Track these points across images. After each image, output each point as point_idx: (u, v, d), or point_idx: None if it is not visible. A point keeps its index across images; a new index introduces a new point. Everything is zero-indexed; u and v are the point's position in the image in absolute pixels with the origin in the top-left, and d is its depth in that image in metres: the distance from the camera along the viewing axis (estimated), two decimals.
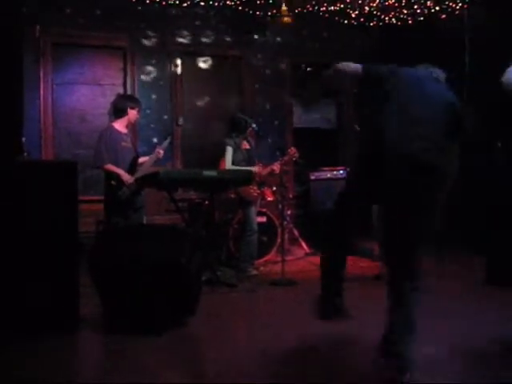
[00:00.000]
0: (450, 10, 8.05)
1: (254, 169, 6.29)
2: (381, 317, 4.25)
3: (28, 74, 7.26)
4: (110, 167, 5.69)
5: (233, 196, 6.56)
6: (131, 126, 6.32)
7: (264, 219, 6.96)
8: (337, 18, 8.49)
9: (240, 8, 8.13)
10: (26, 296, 4.02)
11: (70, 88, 7.82)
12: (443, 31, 8.27)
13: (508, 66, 3.98)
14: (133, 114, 5.99)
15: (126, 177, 5.68)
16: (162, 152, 5.87)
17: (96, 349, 4.18)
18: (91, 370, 3.75)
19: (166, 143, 6.03)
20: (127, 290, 4.12)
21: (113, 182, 5.68)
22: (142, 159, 6.04)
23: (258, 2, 8.02)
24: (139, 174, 5.73)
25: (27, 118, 7.17)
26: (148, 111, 7.78)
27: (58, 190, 4.22)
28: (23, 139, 6.95)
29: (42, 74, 7.55)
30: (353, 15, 8.39)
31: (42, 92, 7.54)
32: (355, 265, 6.92)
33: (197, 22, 8.33)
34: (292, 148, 6.57)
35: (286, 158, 6.47)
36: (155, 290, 4.08)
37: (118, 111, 6.04)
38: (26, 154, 4.84)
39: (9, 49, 5.32)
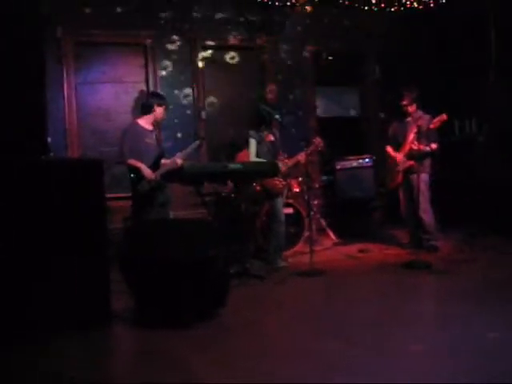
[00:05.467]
0: None
1: (280, 165, 6.22)
2: (409, 304, 4.23)
3: (51, 75, 7.31)
4: (132, 162, 5.72)
5: (259, 188, 6.54)
6: (157, 124, 6.31)
7: (291, 210, 6.92)
8: (357, 5, 8.38)
9: None
10: (57, 293, 4.06)
11: (93, 87, 7.85)
12: (466, 14, 8.14)
13: None
14: (160, 111, 6.00)
15: (147, 171, 5.69)
16: (179, 162, 5.74)
17: (128, 343, 4.21)
18: (123, 366, 3.78)
19: (193, 145, 5.95)
20: (157, 285, 4.14)
21: (132, 175, 5.70)
22: (165, 161, 6.00)
23: None
24: (163, 169, 5.74)
25: (52, 119, 7.23)
26: (171, 106, 7.78)
27: (86, 188, 4.26)
28: (49, 139, 7.03)
29: (65, 74, 7.58)
30: (373, 1, 8.27)
31: (65, 92, 7.58)
32: (384, 252, 6.87)
33: (217, 15, 8.31)
34: (317, 138, 6.51)
35: (311, 149, 6.41)
36: (184, 284, 4.09)
37: (144, 108, 6.06)
38: (52, 153, 4.87)
39: (30, 50, 5.36)
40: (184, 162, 5.70)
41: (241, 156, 6.69)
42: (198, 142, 5.98)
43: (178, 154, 5.83)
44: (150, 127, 5.98)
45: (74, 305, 4.10)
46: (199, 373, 3.31)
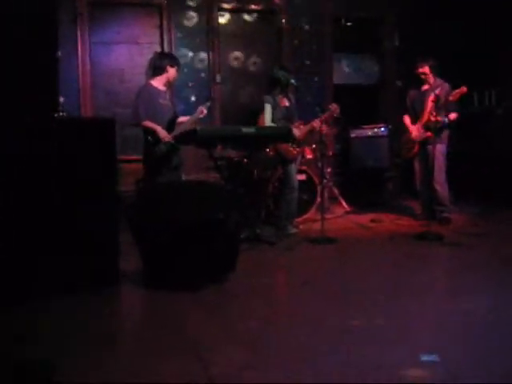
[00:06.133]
0: None
1: (295, 131, 6.14)
2: (417, 275, 4.19)
3: (66, 34, 7.25)
4: (148, 123, 5.65)
5: (272, 154, 6.47)
6: (169, 85, 6.24)
7: (304, 177, 6.86)
8: None
9: None
10: (66, 251, 4.06)
11: (107, 47, 7.77)
12: None
13: None
14: (172, 72, 5.91)
15: (163, 133, 5.63)
16: (205, 111, 5.74)
17: (134, 305, 4.22)
18: (129, 324, 3.80)
19: (206, 105, 5.87)
20: (166, 246, 4.12)
21: (149, 138, 5.65)
22: (181, 118, 5.96)
23: None
24: (178, 131, 5.68)
25: (65, 78, 7.17)
26: (185, 69, 7.69)
27: (97, 147, 4.23)
28: (61, 99, 6.98)
29: (79, 34, 7.50)
30: None
31: (79, 52, 7.51)
32: (396, 223, 6.82)
33: None
34: (333, 104, 6.36)
35: (326, 115, 6.29)
36: (194, 246, 4.08)
37: (156, 69, 5.97)
38: (63, 113, 4.82)
39: (43, 7, 5.28)
40: (196, 125, 5.63)
41: (260, 121, 6.60)
42: (208, 104, 5.89)
43: (202, 106, 5.75)
44: (163, 88, 5.91)
45: (81, 263, 4.10)
46: (204, 337, 3.30)
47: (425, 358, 2.87)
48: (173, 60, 6.00)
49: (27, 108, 4.59)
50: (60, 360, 2.90)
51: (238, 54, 8.33)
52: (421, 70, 6.59)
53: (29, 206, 3.95)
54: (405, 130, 6.83)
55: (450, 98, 6.16)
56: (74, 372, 2.81)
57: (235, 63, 8.33)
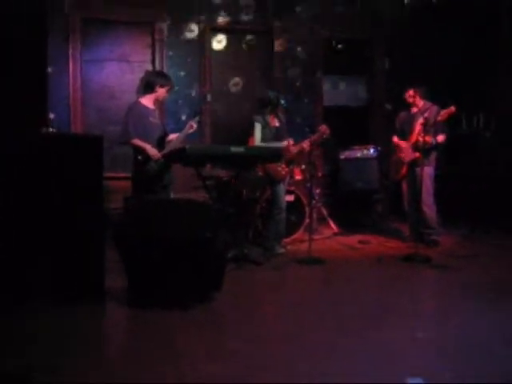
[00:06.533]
0: None
1: (284, 143, 6.18)
2: (403, 297, 4.18)
3: (57, 51, 7.27)
4: (137, 142, 5.63)
5: (261, 174, 6.47)
6: (158, 104, 6.23)
7: (292, 198, 6.85)
8: None
9: None
10: (51, 268, 4.03)
11: (98, 65, 7.79)
12: (477, 7, 8.04)
13: None
14: (161, 92, 5.87)
15: (153, 152, 5.62)
16: (194, 125, 5.75)
17: (120, 322, 4.18)
18: (112, 343, 3.76)
19: (195, 120, 5.89)
20: (152, 264, 4.09)
21: (139, 157, 5.63)
22: (171, 136, 5.95)
23: None
24: (167, 149, 5.67)
25: (56, 95, 7.19)
26: (176, 88, 7.70)
27: (84, 163, 4.21)
28: (51, 115, 6.99)
29: (71, 51, 7.52)
30: None
31: (71, 69, 7.52)
32: (384, 245, 6.82)
33: None
34: (323, 125, 6.38)
35: (316, 136, 6.31)
36: (180, 264, 4.05)
37: (146, 87, 5.96)
38: (53, 129, 4.82)
39: (33, 24, 5.31)
40: (186, 143, 5.63)
41: (251, 141, 6.61)
42: (197, 118, 5.89)
43: (192, 120, 5.78)
44: (152, 106, 5.90)
45: (66, 281, 4.07)
46: (190, 355, 3.27)
47: (411, 381, 2.85)
48: (164, 80, 5.93)
49: (17, 123, 4.59)
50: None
51: (229, 73, 8.37)
52: (408, 96, 6.67)
53: (13, 221, 3.93)
54: (394, 151, 6.87)
55: (439, 118, 6.20)
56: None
57: (226, 83, 8.36)
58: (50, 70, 7.21)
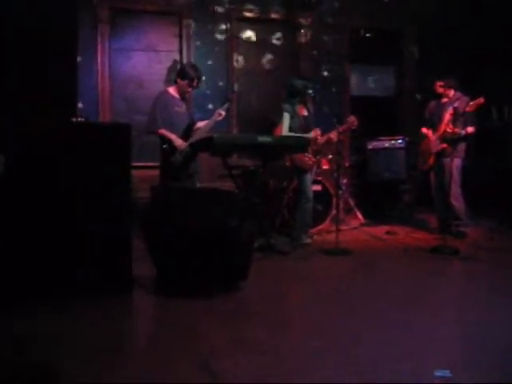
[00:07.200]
0: None
1: (312, 134, 6.15)
2: (429, 288, 4.12)
3: (86, 41, 7.31)
4: (163, 132, 5.64)
5: (288, 164, 6.45)
6: (182, 95, 6.14)
7: (319, 188, 6.83)
8: None
9: None
10: (79, 257, 4.07)
11: (126, 54, 7.82)
12: None
13: None
14: (183, 84, 5.79)
15: (179, 142, 5.63)
16: (223, 113, 5.73)
17: (147, 311, 4.22)
18: (141, 332, 3.79)
19: (224, 108, 5.85)
20: (179, 253, 4.11)
21: (165, 147, 5.65)
22: (199, 124, 5.94)
23: None
24: (194, 138, 5.67)
25: (84, 85, 7.24)
26: (203, 77, 7.70)
27: (112, 152, 4.23)
28: (80, 105, 7.04)
29: (99, 40, 7.57)
30: None
31: (99, 58, 7.57)
32: (411, 236, 6.76)
33: None
34: (352, 116, 6.33)
35: (344, 127, 6.27)
36: (206, 254, 4.06)
37: (176, 76, 5.94)
38: (81, 118, 4.85)
39: (64, 13, 5.34)
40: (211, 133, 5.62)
41: (278, 131, 6.59)
42: (227, 105, 5.87)
43: (220, 108, 5.77)
44: (178, 96, 5.89)
45: (95, 269, 4.10)
46: (216, 345, 3.28)
47: (438, 373, 2.83)
48: (187, 73, 5.78)
49: (45, 112, 4.63)
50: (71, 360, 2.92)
51: (256, 63, 8.34)
52: (438, 86, 6.59)
53: (38, 210, 3.97)
54: (422, 141, 6.79)
55: (468, 109, 6.11)
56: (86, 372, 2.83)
57: (254, 72, 8.33)
58: (79, 59, 7.26)
